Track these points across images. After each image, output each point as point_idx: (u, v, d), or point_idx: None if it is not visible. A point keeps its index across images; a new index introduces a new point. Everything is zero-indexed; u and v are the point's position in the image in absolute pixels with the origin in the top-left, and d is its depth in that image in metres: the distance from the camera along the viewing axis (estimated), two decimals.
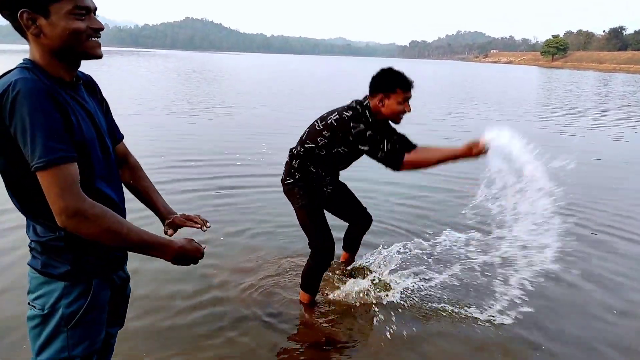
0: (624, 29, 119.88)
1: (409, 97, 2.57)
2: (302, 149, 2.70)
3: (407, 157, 2.53)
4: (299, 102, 15.12)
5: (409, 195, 5.42)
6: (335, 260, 3.40)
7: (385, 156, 2.50)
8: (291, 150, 2.79)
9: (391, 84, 2.53)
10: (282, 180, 2.83)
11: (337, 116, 2.58)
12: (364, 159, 2.74)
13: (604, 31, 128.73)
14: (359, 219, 3.16)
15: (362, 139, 2.50)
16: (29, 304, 1.33)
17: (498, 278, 3.18)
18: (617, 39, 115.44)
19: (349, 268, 3.41)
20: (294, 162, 2.75)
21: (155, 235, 1.31)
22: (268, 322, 2.78)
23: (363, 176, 5.38)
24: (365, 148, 2.52)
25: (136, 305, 2.67)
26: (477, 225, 4.21)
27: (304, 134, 2.74)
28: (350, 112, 2.56)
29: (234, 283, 3.23)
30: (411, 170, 2.59)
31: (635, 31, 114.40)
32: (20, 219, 1.32)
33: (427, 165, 2.61)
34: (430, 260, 3.65)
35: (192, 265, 1.41)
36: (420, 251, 3.75)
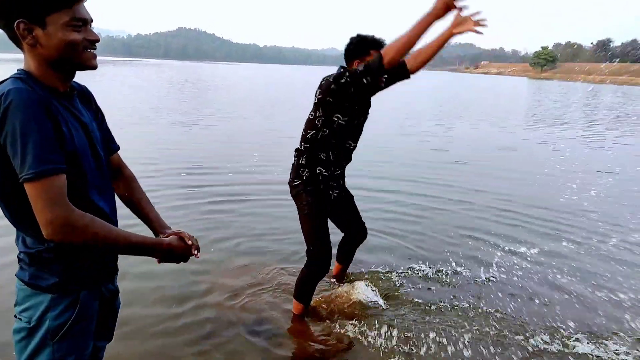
0: (612, 41, 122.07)
1: None
2: (306, 142, 2.70)
3: (384, 49, 2.37)
4: (292, 111, 15.19)
5: (403, 203, 5.45)
6: (329, 275, 3.41)
7: (365, 64, 2.39)
8: (296, 149, 2.78)
9: (363, 48, 2.56)
10: (290, 183, 2.80)
11: (319, 89, 2.61)
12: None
13: (592, 43, 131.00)
14: (357, 231, 3.16)
15: (340, 75, 2.48)
16: (15, 316, 1.32)
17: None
18: (604, 51, 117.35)
19: (343, 280, 3.41)
20: (301, 160, 2.73)
21: (144, 236, 1.33)
22: (255, 334, 2.75)
23: (360, 184, 5.38)
24: (345, 77, 2.44)
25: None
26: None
27: (303, 130, 2.74)
28: (326, 76, 2.60)
29: (220, 292, 3.21)
30: (396, 57, 2.30)
31: (622, 43, 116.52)
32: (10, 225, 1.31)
33: (407, 43, 2.26)
34: (430, 278, 3.61)
35: (182, 263, 1.44)
36: (423, 268, 3.75)
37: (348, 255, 3.33)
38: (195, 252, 1.44)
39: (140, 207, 1.57)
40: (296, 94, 24.21)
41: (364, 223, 3.15)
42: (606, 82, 69.04)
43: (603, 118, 17.75)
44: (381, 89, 2.68)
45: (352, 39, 2.64)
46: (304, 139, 2.72)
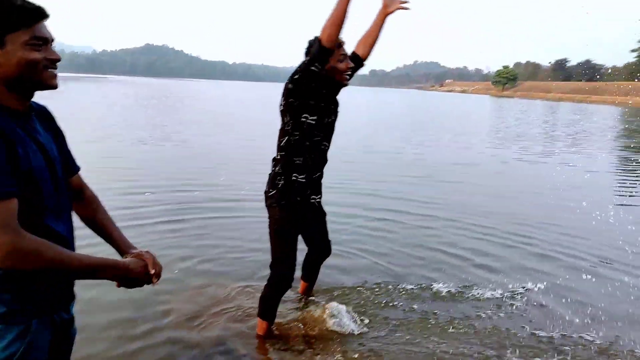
0: (568, 60, 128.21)
1: (345, 54, 2.61)
2: (281, 150, 2.67)
3: (319, 33, 2.41)
4: (260, 129, 15.16)
5: (371, 219, 5.47)
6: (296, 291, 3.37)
7: (310, 54, 2.45)
8: (273, 159, 2.75)
9: None
10: (265, 193, 2.75)
11: (281, 97, 2.62)
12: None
13: (549, 62, 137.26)
14: (322, 247, 3.13)
15: (293, 73, 2.52)
16: None
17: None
18: (561, 70, 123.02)
19: (314, 299, 3.36)
20: (276, 168, 2.69)
21: (98, 257, 1.27)
22: (213, 359, 2.65)
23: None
24: (297, 73, 2.49)
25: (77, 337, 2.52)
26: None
27: (277, 140, 2.71)
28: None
29: (179, 313, 3.10)
30: (332, 34, 2.32)
31: (578, 63, 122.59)
32: None
33: (335, 18, 2.29)
34: (402, 295, 3.58)
35: (146, 287, 1.38)
36: (392, 284, 3.74)
37: (313, 273, 3.30)
38: (155, 280, 1.39)
39: (104, 228, 1.52)
40: (265, 110, 24.21)
41: (330, 241, 3.15)
42: (563, 100, 72.23)
43: (561, 134, 18.50)
44: (345, 85, 2.70)
45: (310, 42, 2.66)
46: (278, 147, 2.70)
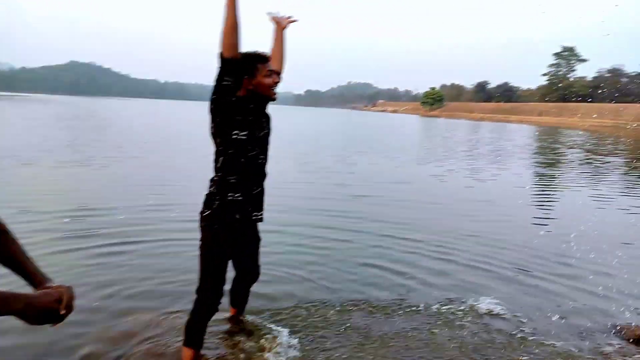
0: (488, 83, 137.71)
1: (272, 69, 2.62)
2: (218, 171, 2.59)
3: None
4: (192, 150, 14.77)
5: (303, 236, 5.41)
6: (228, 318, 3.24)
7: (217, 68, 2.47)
8: (210, 179, 2.65)
9: (249, 64, 2.55)
10: (200, 213, 2.64)
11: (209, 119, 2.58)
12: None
13: (472, 84, 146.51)
14: (251, 272, 3.04)
15: (211, 92, 2.51)
16: None
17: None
18: (482, 92, 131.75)
19: (239, 324, 3.23)
20: (212, 188, 2.60)
21: (2, 290, 1.11)
22: None
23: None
24: (213, 91, 2.49)
25: None
26: None
27: (213, 162, 2.63)
28: None
29: (100, 348, 2.87)
30: (229, 42, 2.38)
31: (497, 85, 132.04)
32: None
33: (227, 28, 2.36)
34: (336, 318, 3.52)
35: (60, 325, 1.23)
36: (326, 300, 3.71)
37: (242, 299, 3.20)
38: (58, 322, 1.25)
39: (15, 259, 1.34)
40: (192, 131, 23.71)
41: (259, 266, 3.06)
42: (485, 119, 77.29)
43: (483, 152, 19.69)
44: (273, 99, 2.69)
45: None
46: (215, 168, 2.62)
